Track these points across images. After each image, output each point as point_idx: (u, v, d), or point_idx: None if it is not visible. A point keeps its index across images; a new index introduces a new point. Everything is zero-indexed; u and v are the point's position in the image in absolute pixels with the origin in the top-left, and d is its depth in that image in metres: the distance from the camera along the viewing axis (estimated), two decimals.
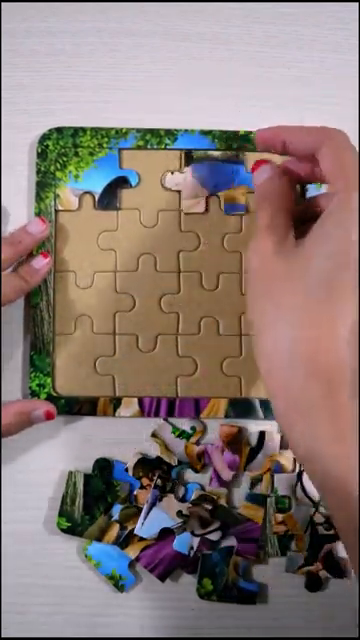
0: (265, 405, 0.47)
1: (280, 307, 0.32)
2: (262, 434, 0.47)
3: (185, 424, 0.47)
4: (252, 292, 0.35)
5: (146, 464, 0.47)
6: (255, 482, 0.47)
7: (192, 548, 0.45)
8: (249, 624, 0.46)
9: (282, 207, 0.36)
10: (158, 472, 0.46)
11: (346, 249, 0.31)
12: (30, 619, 0.46)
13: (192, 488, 0.46)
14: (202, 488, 0.46)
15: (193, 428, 0.47)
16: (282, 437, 0.47)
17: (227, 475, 0.46)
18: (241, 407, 0.47)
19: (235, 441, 0.47)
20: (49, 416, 0.44)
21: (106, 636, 0.46)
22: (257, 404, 0.47)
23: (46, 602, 0.46)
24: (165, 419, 0.47)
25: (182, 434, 0.47)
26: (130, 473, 0.46)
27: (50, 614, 0.46)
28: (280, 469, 0.47)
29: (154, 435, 0.47)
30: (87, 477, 0.46)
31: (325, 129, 0.35)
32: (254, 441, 0.47)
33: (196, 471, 0.47)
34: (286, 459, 0.47)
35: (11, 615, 0.46)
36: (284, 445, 0.47)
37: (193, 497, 0.46)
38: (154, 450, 0.47)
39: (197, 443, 0.47)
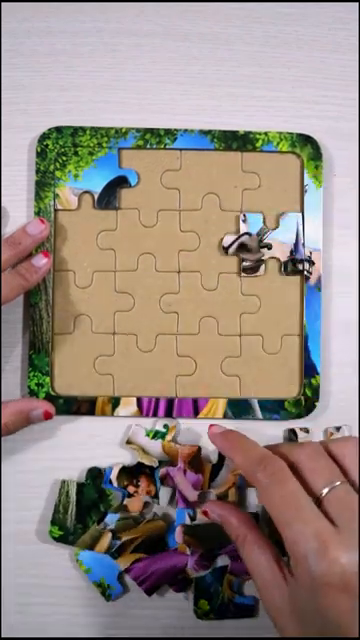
0: (264, 405, 0.47)
1: None
2: None
3: (157, 424, 0.47)
4: None
5: (128, 472, 0.46)
6: (222, 499, 0.46)
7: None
8: (249, 624, 0.46)
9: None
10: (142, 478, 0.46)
11: None
12: (30, 619, 0.46)
13: (181, 514, 0.46)
14: (191, 518, 0.46)
15: (166, 426, 0.47)
16: None
17: (192, 495, 0.45)
18: (240, 407, 0.47)
19: (196, 460, 0.46)
20: (48, 415, 0.45)
21: (106, 636, 0.46)
22: (256, 404, 0.47)
23: (46, 602, 0.46)
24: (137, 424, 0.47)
25: (156, 434, 0.47)
26: (115, 484, 0.46)
27: (50, 614, 0.46)
28: (245, 483, 0.46)
29: (129, 442, 0.47)
30: (80, 486, 0.46)
31: (264, 459, 0.37)
32: (215, 458, 0.47)
33: None
34: None
35: (11, 615, 0.46)
36: None
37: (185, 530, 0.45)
38: (133, 456, 0.47)
39: (174, 440, 0.47)
